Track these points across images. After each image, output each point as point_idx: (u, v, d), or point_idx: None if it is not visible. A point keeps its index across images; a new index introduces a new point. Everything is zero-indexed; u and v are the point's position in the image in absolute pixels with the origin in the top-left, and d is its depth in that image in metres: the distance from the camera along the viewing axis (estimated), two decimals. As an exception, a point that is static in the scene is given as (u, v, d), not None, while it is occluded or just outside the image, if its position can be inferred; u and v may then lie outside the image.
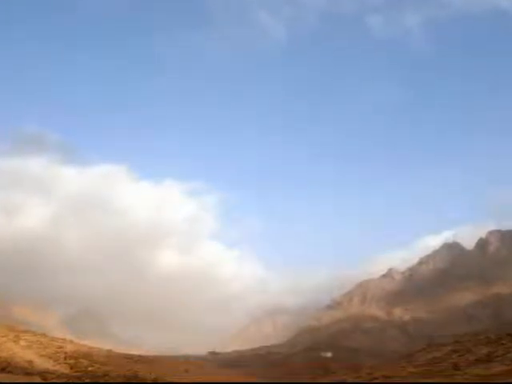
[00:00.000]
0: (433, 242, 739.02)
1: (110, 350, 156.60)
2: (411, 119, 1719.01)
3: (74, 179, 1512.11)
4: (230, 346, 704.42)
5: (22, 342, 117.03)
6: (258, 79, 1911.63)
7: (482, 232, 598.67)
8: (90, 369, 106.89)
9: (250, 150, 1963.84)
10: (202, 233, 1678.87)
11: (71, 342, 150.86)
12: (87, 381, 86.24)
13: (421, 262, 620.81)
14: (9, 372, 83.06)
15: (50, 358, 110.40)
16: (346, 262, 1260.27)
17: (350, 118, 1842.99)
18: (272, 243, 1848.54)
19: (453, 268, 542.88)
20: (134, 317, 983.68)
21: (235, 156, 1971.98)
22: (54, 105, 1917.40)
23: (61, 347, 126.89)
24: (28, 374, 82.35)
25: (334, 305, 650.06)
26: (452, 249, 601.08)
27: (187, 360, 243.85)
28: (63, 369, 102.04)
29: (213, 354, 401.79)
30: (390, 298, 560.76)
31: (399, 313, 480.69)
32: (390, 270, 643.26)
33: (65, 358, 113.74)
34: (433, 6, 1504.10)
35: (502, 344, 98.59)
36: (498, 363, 79.24)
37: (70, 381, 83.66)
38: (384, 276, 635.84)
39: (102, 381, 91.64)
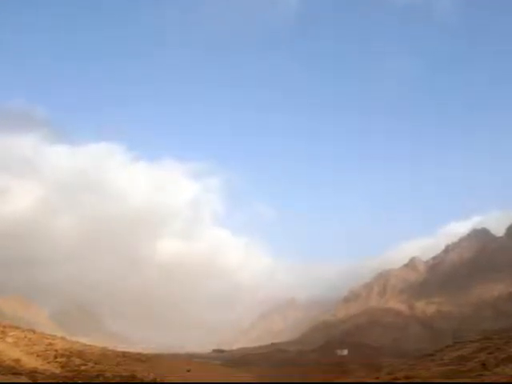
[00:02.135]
0: (460, 228, 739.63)
1: (104, 348, 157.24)
2: (437, 93, 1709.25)
3: (64, 159, 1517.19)
4: (236, 343, 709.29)
5: (9, 339, 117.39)
6: (265, 52, 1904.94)
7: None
8: (82, 368, 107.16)
9: (259, 127, 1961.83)
10: (205, 218, 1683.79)
11: (62, 338, 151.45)
12: (79, 381, 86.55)
13: (446, 251, 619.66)
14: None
15: (39, 356, 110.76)
16: (364, 251, 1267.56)
17: (368, 92, 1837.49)
18: (283, 230, 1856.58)
19: (482, 257, 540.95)
20: (132, 311, 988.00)
21: (242, 134, 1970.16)
22: (42, 78, 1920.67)
23: (51, 344, 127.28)
24: (15, 373, 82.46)
25: (351, 298, 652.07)
26: (481, 236, 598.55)
27: (189, 359, 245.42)
28: (53, 368, 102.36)
29: (217, 351, 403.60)
30: (412, 290, 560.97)
31: (422, 306, 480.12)
32: (413, 259, 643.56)
33: (55, 357, 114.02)
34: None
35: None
36: (531, 362, 78.97)
37: (61, 381, 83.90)
38: (406, 266, 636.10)
39: (95, 381, 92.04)
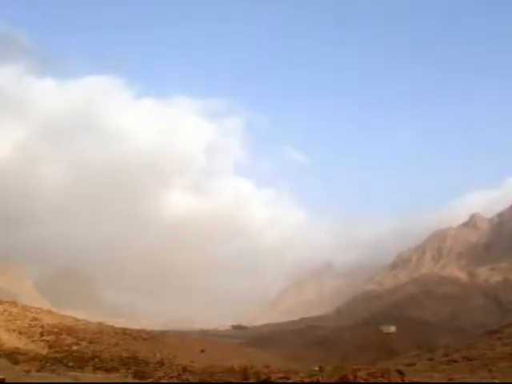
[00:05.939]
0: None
1: (101, 324, 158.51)
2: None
3: (53, 95, 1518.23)
4: (261, 317, 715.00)
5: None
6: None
7: None
8: (74, 348, 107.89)
9: (286, 56, 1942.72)
10: (223, 166, 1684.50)
11: (50, 312, 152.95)
12: (70, 364, 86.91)
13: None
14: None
15: (22, 333, 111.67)
16: (415, 207, 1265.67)
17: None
18: (317, 180, 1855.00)
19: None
20: (134, 279, 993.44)
21: (267, 66, 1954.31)
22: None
23: (36, 319, 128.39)
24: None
25: (400, 263, 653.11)
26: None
27: (203, 336, 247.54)
28: (39, 348, 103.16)
29: (238, 328, 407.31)
30: (473, 253, 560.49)
31: (485, 273, 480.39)
32: (474, 216, 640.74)
33: (41, 334, 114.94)
34: None
35: None
36: None
37: (48, 363, 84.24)
38: (465, 224, 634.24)
39: (90, 363, 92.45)
